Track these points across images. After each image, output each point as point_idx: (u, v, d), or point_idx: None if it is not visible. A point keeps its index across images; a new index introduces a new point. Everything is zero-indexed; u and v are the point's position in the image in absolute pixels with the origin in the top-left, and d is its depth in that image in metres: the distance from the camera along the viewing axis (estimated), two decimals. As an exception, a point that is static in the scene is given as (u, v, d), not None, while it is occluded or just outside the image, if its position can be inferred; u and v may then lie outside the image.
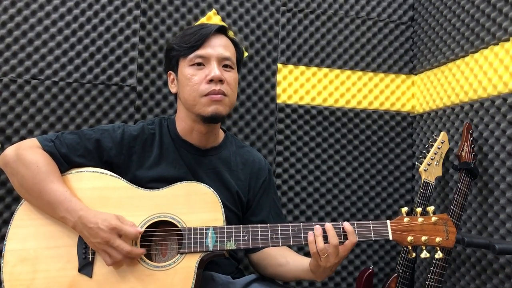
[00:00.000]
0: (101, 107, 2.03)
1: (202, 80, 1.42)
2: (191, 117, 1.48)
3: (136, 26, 2.07)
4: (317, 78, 2.26)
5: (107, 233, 1.25)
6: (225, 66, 1.47)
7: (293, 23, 2.26)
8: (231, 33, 1.54)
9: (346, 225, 1.29)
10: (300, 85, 2.25)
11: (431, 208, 1.32)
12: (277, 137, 2.21)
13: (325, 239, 1.27)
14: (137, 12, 2.08)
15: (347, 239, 1.28)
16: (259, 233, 1.32)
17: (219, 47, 1.46)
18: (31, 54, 1.97)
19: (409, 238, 1.28)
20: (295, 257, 1.48)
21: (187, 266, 1.30)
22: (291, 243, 1.31)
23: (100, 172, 1.40)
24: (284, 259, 1.47)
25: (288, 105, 2.22)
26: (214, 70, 1.42)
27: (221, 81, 1.42)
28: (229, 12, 2.18)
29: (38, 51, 1.98)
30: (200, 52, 1.44)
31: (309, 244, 1.28)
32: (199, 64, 1.44)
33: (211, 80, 1.41)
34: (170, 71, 1.54)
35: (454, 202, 1.76)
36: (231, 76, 1.48)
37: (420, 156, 1.99)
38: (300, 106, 2.23)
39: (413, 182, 2.34)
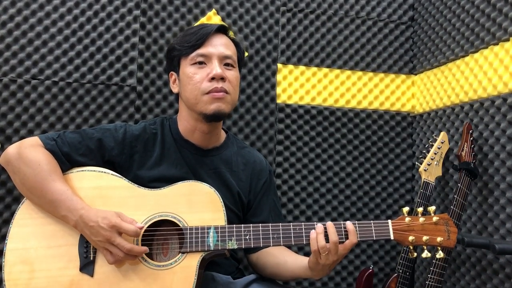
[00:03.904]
0: (101, 107, 2.02)
1: (204, 78, 1.42)
2: (193, 116, 1.48)
3: (136, 26, 2.07)
4: (317, 78, 2.26)
5: (108, 231, 1.25)
6: (227, 64, 1.47)
7: (293, 23, 2.26)
8: (231, 33, 1.55)
9: (349, 224, 1.29)
10: (300, 85, 2.25)
11: (432, 208, 1.32)
12: (277, 137, 2.21)
13: (326, 237, 1.27)
14: (137, 12, 2.08)
15: (347, 238, 1.28)
16: (261, 233, 1.32)
17: (220, 46, 1.47)
18: (31, 54, 1.96)
19: (411, 238, 1.28)
20: (293, 256, 1.49)
21: (188, 265, 1.30)
22: (292, 243, 1.31)
23: (102, 172, 1.40)
24: (282, 258, 1.47)
25: (288, 105, 2.22)
26: (215, 68, 1.42)
27: (222, 78, 1.43)
28: (229, 12, 2.18)
29: (38, 51, 1.97)
30: (201, 50, 1.44)
31: (311, 241, 1.28)
32: (200, 62, 1.44)
33: (212, 78, 1.42)
34: (171, 72, 1.54)
35: (454, 202, 1.76)
36: (233, 74, 1.48)
37: (420, 156, 1.99)
38: (300, 106, 2.24)
39: (413, 182, 2.34)
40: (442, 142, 1.96)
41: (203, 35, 1.45)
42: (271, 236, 1.32)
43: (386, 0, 2.36)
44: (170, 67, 1.55)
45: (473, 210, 1.88)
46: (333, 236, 1.27)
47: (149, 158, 1.48)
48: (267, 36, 2.22)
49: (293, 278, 1.50)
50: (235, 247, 1.31)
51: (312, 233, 1.28)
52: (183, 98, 1.49)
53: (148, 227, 1.33)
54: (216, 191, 1.37)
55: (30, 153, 1.36)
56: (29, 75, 1.96)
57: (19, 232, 1.32)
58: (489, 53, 1.85)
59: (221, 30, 1.51)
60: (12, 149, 1.39)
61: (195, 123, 1.50)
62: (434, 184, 1.93)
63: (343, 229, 1.29)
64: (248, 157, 1.63)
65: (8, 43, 1.95)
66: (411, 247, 1.31)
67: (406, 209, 1.33)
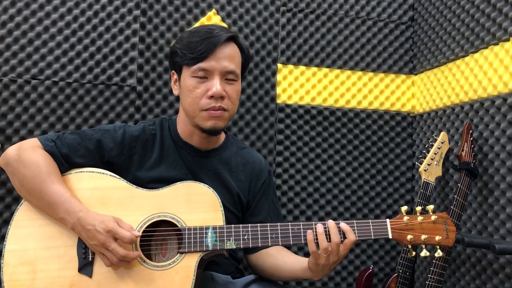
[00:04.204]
0: (101, 107, 2.03)
1: (203, 94, 1.40)
2: (191, 123, 1.47)
3: (136, 26, 2.07)
4: (317, 78, 2.26)
5: (103, 235, 1.24)
6: (228, 79, 1.43)
7: (293, 23, 2.26)
8: (238, 37, 1.49)
9: (343, 224, 1.29)
10: (300, 85, 2.25)
11: (430, 207, 1.32)
12: (277, 137, 2.21)
13: (327, 239, 1.27)
14: (137, 12, 2.08)
15: (346, 238, 1.28)
16: (259, 233, 1.32)
17: (224, 59, 1.41)
18: (31, 54, 1.97)
19: (409, 237, 1.28)
20: (292, 256, 1.48)
21: (187, 265, 1.30)
22: (291, 243, 1.31)
23: (100, 173, 1.40)
24: (281, 258, 1.47)
25: (288, 105, 2.22)
26: (216, 85, 1.39)
27: (222, 97, 1.41)
28: (229, 12, 2.18)
29: (38, 51, 1.98)
30: (203, 65, 1.39)
31: (308, 243, 1.28)
32: (201, 77, 1.40)
33: (212, 96, 1.39)
34: (173, 71, 1.53)
35: (454, 202, 1.76)
36: (234, 88, 1.45)
37: (420, 156, 1.99)
38: (300, 106, 2.24)
39: (413, 182, 2.34)
40: (442, 142, 1.96)
41: (208, 48, 1.39)
42: (269, 236, 1.31)
43: (386, 0, 2.36)
44: (172, 67, 1.53)
45: (473, 210, 1.88)
46: (335, 236, 1.27)
47: (148, 159, 1.48)
48: (267, 36, 2.22)
49: (292, 278, 1.50)
50: (233, 247, 1.31)
51: (309, 234, 1.28)
52: (182, 106, 1.48)
53: (146, 227, 1.33)
54: (214, 191, 1.37)
55: (29, 155, 1.36)
56: (29, 75, 1.96)
57: (18, 233, 1.32)
58: (489, 53, 1.84)
59: (228, 39, 1.44)
60: (11, 151, 1.39)
61: (193, 129, 1.49)
62: (434, 184, 1.93)
63: (339, 229, 1.29)
64: (247, 158, 1.62)
65: (8, 43, 1.95)
66: (410, 246, 1.31)
67: (404, 208, 1.33)
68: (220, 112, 1.41)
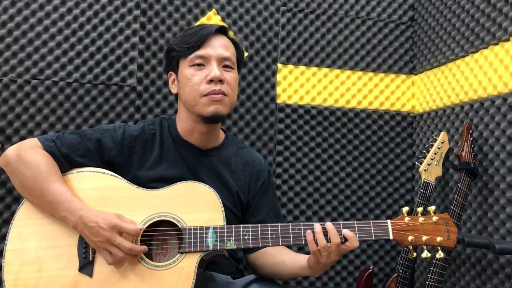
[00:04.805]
0: (101, 107, 2.03)
1: (202, 80, 1.42)
2: (191, 117, 1.48)
3: (136, 26, 2.07)
4: (317, 78, 2.26)
5: (108, 231, 1.25)
6: (225, 66, 1.47)
7: (293, 23, 2.26)
8: (231, 33, 1.54)
9: (347, 232, 1.28)
10: (300, 85, 2.25)
11: (432, 208, 1.31)
12: (277, 137, 2.21)
13: (326, 237, 1.27)
14: (137, 12, 2.08)
15: (347, 240, 1.28)
16: (259, 233, 1.32)
17: (219, 47, 1.46)
18: (31, 54, 1.97)
19: (410, 238, 1.28)
20: (291, 254, 1.49)
21: (187, 265, 1.29)
22: (291, 243, 1.31)
23: (101, 172, 1.40)
24: (281, 257, 1.47)
25: (288, 105, 2.22)
26: (214, 70, 1.42)
27: (221, 81, 1.42)
28: (229, 12, 2.18)
29: (38, 51, 1.98)
30: (200, 52, 1.44)
31: (309, 243, 1.28)
32: (199, 64, 1.44)
33: (211, 80, 1.41)
34: (171, 72, 1.54)
35: (454, 202, 1.76)
36: (231, 76, 1.47)
37: (420, 156, 1.99)
38: (300, 106, 2.23)
39: (413, 182, 2.34)
40: (442, 142, 1.96)
41: (202, 37, 1.44)
42: (269, 236, 1.31)
43: (386, 0, 2.36)
44: (169, 67, 1.55)
45: (473, 210, 1.88)
46: (335, 238, 1.27)
47: (148, 158, 1.48)
48: (267, 36, 2.22)
49: (292, 276, 1.50)
50: (234, 247, 1.31)
51: (308, 235, 1.28)
52: (182, 99, 1.49)
53: (147, 227, 1.33)
54: (214, 191, 1.37)
55: (29, 154, 1.36)
56: (29, 75, 1.96)
57: (18, 232, 1.32)
58: (489, 53, 1.84)
59: (221, 31, 1.50)
60: (11, 151, 1.39)
61: (194, 124, 1.50)
62: (434, 184, 1.93)
63: (342, 235, 1.29)
64: (247, 157, 1.63)
65: (8, 43, 1.95)
66: (411, 247, 1.31)
67: (405, 209, 1.33)
68: (220, 96, 1.42)
